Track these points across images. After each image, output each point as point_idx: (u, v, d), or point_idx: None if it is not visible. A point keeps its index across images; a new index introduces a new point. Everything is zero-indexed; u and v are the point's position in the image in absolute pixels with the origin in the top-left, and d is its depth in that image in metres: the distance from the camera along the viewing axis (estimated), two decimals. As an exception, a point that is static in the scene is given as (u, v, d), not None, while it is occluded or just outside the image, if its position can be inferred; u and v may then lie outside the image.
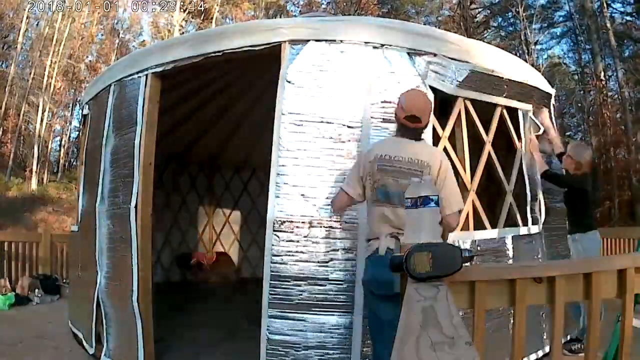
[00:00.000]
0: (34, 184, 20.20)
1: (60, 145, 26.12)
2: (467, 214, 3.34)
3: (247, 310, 5.22)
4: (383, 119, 3.04)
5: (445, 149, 3.26)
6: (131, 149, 3.62)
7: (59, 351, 4.13)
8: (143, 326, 3.42)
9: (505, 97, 3.67)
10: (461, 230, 3.23)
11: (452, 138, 3.39)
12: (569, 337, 3.89)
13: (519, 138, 3.85)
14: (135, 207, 3.51)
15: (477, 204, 3.44)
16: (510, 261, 3.47)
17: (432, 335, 0.93)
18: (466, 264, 1.47)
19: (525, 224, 3.74)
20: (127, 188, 3.60)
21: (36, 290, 6.45)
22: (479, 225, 3.44)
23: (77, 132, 24.06)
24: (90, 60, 25.98)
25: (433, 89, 3.16)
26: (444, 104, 3.34)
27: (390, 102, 3.06)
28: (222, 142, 7.77)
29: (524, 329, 1.66)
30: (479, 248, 3.29)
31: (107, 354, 3.67)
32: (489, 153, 3.60)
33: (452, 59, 3.32)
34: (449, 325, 1.00)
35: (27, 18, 21.35)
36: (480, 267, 2.74)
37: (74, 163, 23.70)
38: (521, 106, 3.87)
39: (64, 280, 7.00)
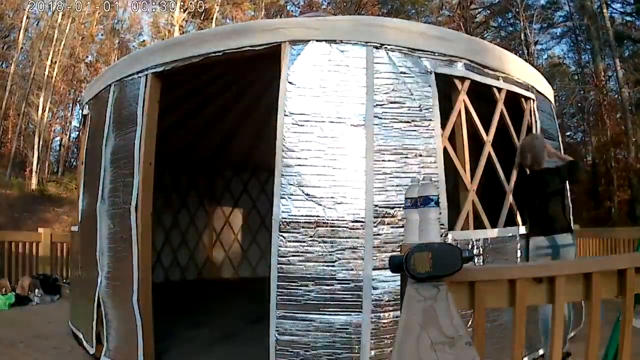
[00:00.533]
0: (34, 184, 20.20)
1: (60, 145, 26.15)
2: (467, 213, 3.34)
3: (247, 310, 5.25)
4: (393, 119, 3.05)
5: (445, 149, 3.26)
6: (131, 149, 3.62)
7: (59, 351, 4.13)
8: (143, 326, 3.42)
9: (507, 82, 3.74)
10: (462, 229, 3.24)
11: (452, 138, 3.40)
12: (541, 352, 3.57)
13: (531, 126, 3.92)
14: (136, 207, 3.51)
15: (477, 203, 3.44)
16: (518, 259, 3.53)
17: (432, 335, 0.93)
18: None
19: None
20: (127, 188, 3.60)
21: (36, 290, 6.45)
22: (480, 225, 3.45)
23: (77, 132, 24.08)
24: (90, 60, 25.98)
25: (438, 75, 3.20)
26: (445, 101, 3.35)
27: (397, 103, 3.06)
28: (222, 142, 7.77)
29: (524, 329, 1.66)
30: (491, 246, 3.31)
31: (107, 354, 3.66)
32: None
33: (457, 57, 3.33)
34: (449, 326, 1.00)
35: (27, 18, 21.35)
36: (480, 267, 2.75)
37: (74, 163, 23.71)
38: (524, 93, 3.91)
39: (64, 280, 7.00)
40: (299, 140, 2.99)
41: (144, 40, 26.13)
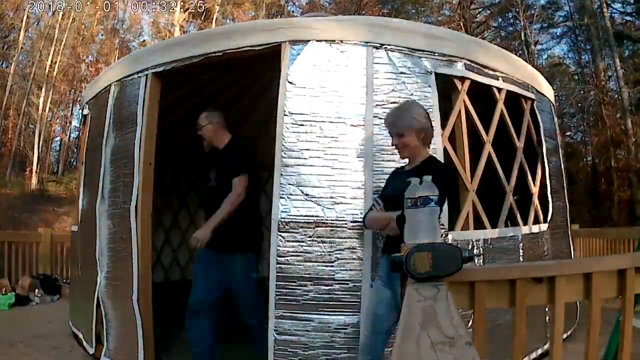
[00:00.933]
0: (34, 184, 20.21)
1: (60, 145, 26.17)
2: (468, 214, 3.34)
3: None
4: None
5: (445, 149, 3.26)
6: (131, 149, 3.62)
7: (59, 351, 4.13)
8: (143, 326, 3.43)
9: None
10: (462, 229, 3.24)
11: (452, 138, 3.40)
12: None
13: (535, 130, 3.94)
14: (136, 207, 3.51)
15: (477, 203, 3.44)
16: (521, 259, 3.53)
17: (432, 335, 0.93)
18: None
19: (537, 221, 3.84)
20: (127, 188, 3.60)
21: (36, 290, 6.44)
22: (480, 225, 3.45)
23: (77, 132, 24.09)
24: (90, 60, 25.99)
25: (438, 75, 3.20)
26: (445, 101, 3.35)
27: (397, 103, 3.06)
28: (222, 142, 7.74)
29: (524, 328, 1.66)
30: (491, 247, 3.32)
31: (107, 354, 3.67)
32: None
33: (457, 57, 3.32)
34: (449, 325, 1.00)
35: (27, 17, 21.36)
36: (480, 267, 2.75)
37: (74, 162, 23.72)
38: (524, 93, 3.91)
39: (64, 280, 7.00)
40: (299, 140, 2.99)
41: (144, 40, 26.15)
